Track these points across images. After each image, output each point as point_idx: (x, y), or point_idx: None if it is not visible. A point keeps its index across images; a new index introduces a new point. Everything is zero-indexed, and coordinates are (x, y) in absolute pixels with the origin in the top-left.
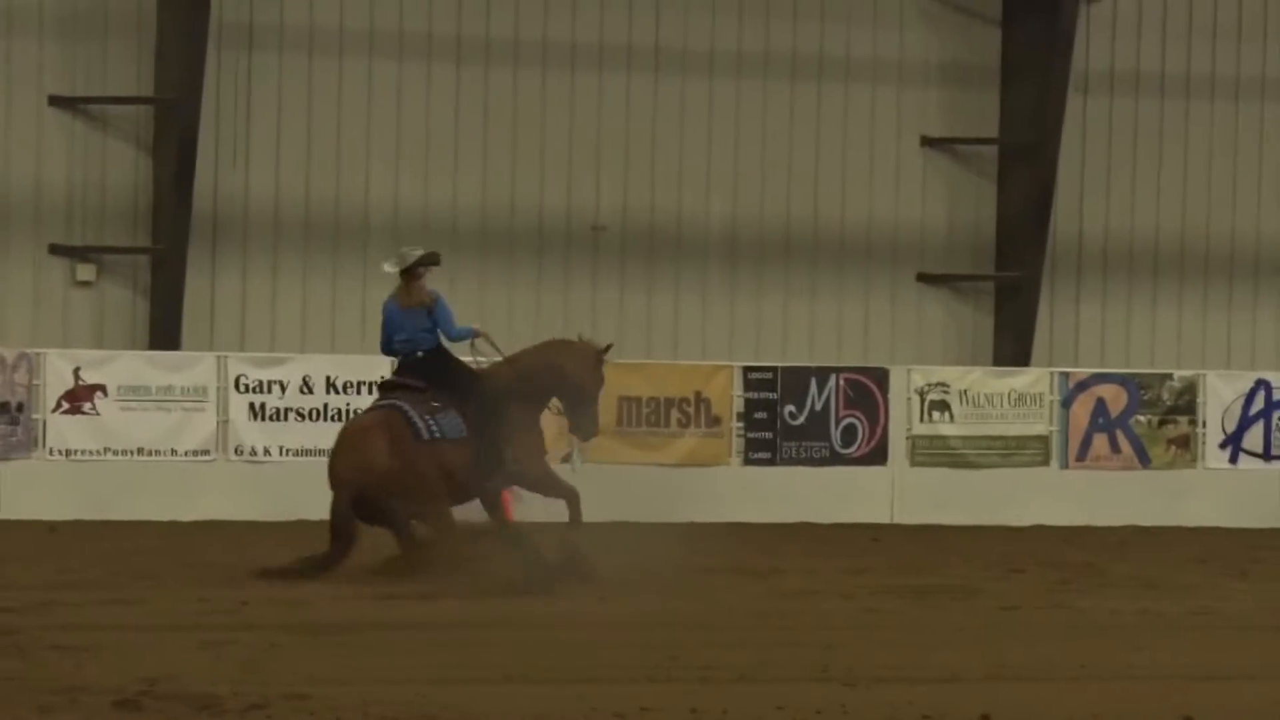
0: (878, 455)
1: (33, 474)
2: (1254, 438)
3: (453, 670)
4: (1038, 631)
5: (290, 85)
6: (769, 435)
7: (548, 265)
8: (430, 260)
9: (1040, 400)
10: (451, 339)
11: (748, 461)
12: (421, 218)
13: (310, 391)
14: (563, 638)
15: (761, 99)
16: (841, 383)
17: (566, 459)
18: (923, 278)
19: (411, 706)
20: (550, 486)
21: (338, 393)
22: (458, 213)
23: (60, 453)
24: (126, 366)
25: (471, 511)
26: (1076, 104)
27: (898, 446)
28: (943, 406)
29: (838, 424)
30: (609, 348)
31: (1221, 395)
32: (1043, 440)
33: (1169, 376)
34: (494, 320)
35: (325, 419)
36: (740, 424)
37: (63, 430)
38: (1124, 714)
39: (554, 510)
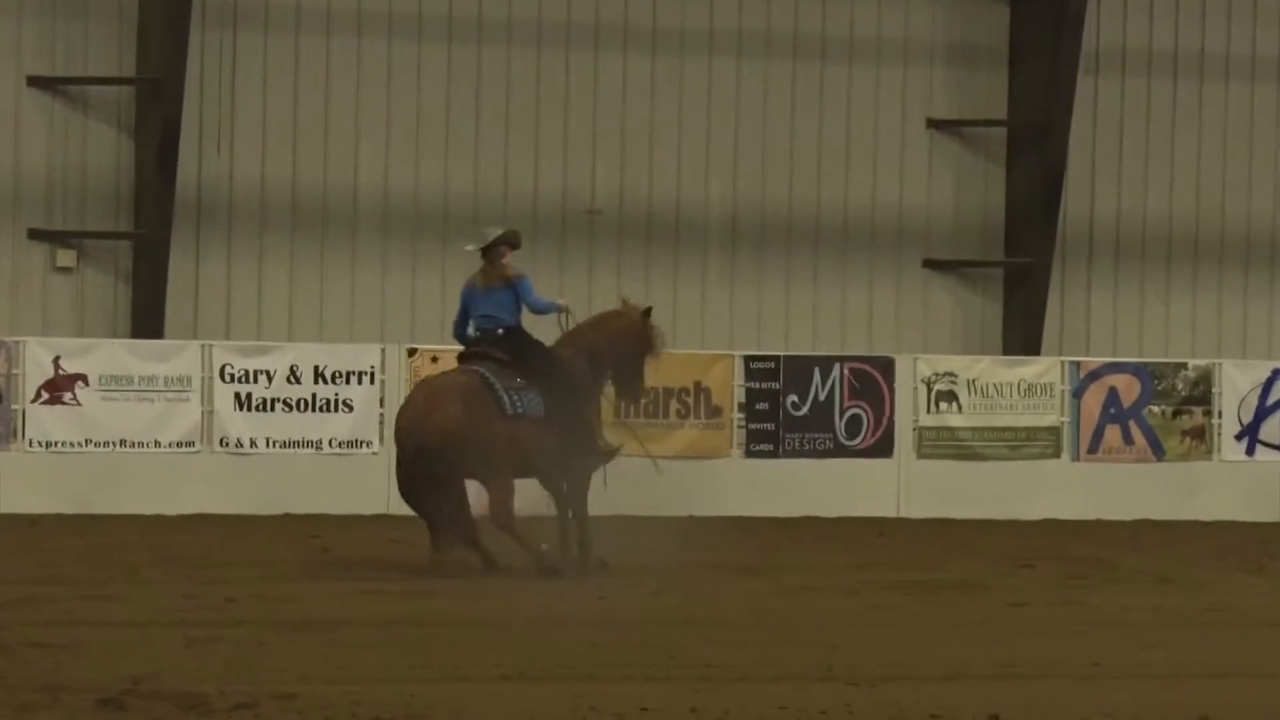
0: (883, 447)
1: (12, 466)
2: (1271, 429)
3: (445, 669)
4: (1048, 628)
5: (276, 65)
6: (771, 426)
7: (542, 251)
8: (508, 239)
9: (1051, 390)
10: (536, 313)
11: (749, 454)
12: (412, 202)
13: (298, 381)
14: (560, 635)
15: (763, 79)
16: (846, 372)
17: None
18: (929, 264)
19: (402, 706)
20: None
21: (326, 383)
22: (449, 197)
23: (40, 444)
24: (108, 355)
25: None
26: (1088, 84)
27: (904, 438)
28: (950, 397)
29: (842, 415)
30: (650, 310)
31: (1238, 385)
32: (1053, 432)
33: (1183, 366)
34: None
35: (313, 410)
36: (741, 415)
37: (43, 421)
38: (1137, 714)
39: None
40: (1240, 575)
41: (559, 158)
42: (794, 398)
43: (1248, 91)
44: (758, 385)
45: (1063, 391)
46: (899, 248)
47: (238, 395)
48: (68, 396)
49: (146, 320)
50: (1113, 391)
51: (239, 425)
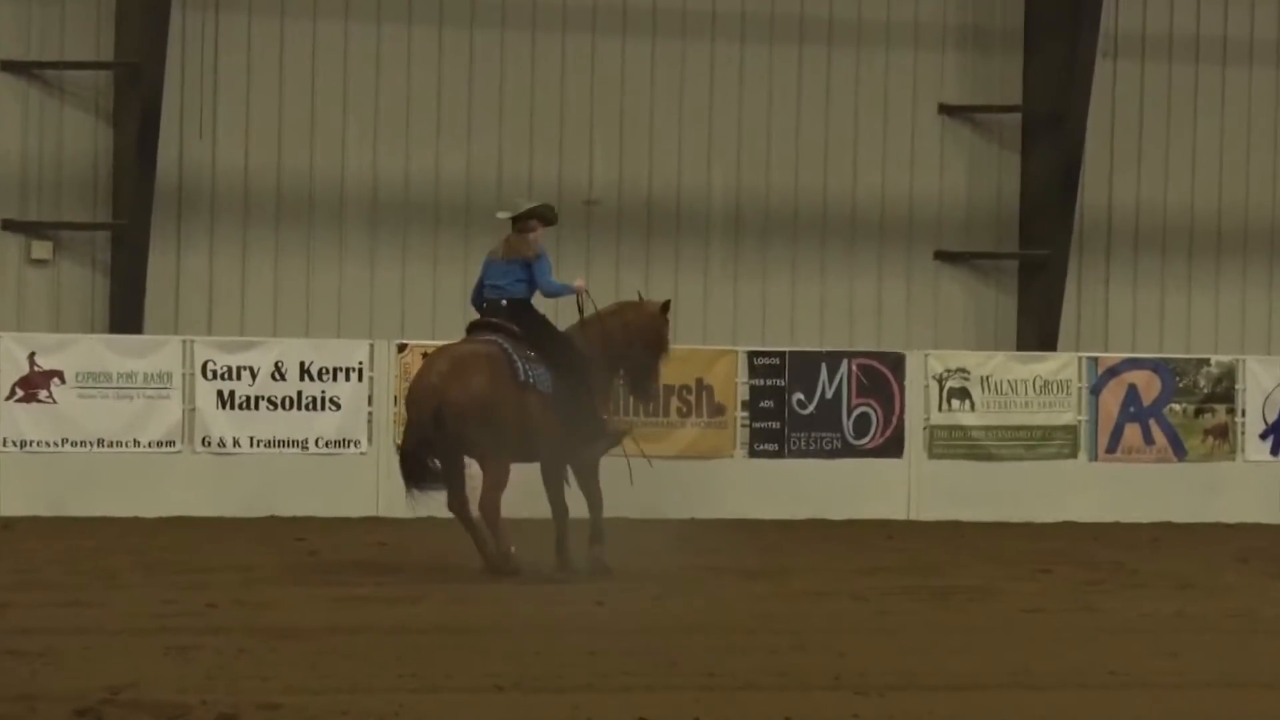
0: (893, 446)
1: None
2: None
3: (436, 678)
4: (1064, 636)
5: (261, 49)
6: (776, 425)
7: None
8: (541, 214)
9: (1068, 388)
10: (548, 294)
11: (753, 453)
12: (402, 192)
13: (283, 378)
14: (556, 643)
15: (768, 63)
16: (854, 369)
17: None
18: (941, 256)
19: (391, 717)
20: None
21: (312, 379)
22: (440, 186)
23: (14, 444)
24: (85, 351)
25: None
26: (1105, 69)
27: (914, 437)
28: (962, 394)
29: (850, 413)
30: (668, 304)
31: (1262, 382)
32: (1070, 430)
33: (1206, 362)
34: None
35: (299, 408)
36: (745, 413)
37: (17, 420)
38: None
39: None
40: (1265, 580)
41: (555, 145)
42: (800, 395)
43: (1273, 77)
44: (762, 382)
45: (1080, 389)
46: (909, 239)
47: (220, 393)
48: (43, 394)
49: (125, 314)
50: (1132, 389)
51: (222, 424)
